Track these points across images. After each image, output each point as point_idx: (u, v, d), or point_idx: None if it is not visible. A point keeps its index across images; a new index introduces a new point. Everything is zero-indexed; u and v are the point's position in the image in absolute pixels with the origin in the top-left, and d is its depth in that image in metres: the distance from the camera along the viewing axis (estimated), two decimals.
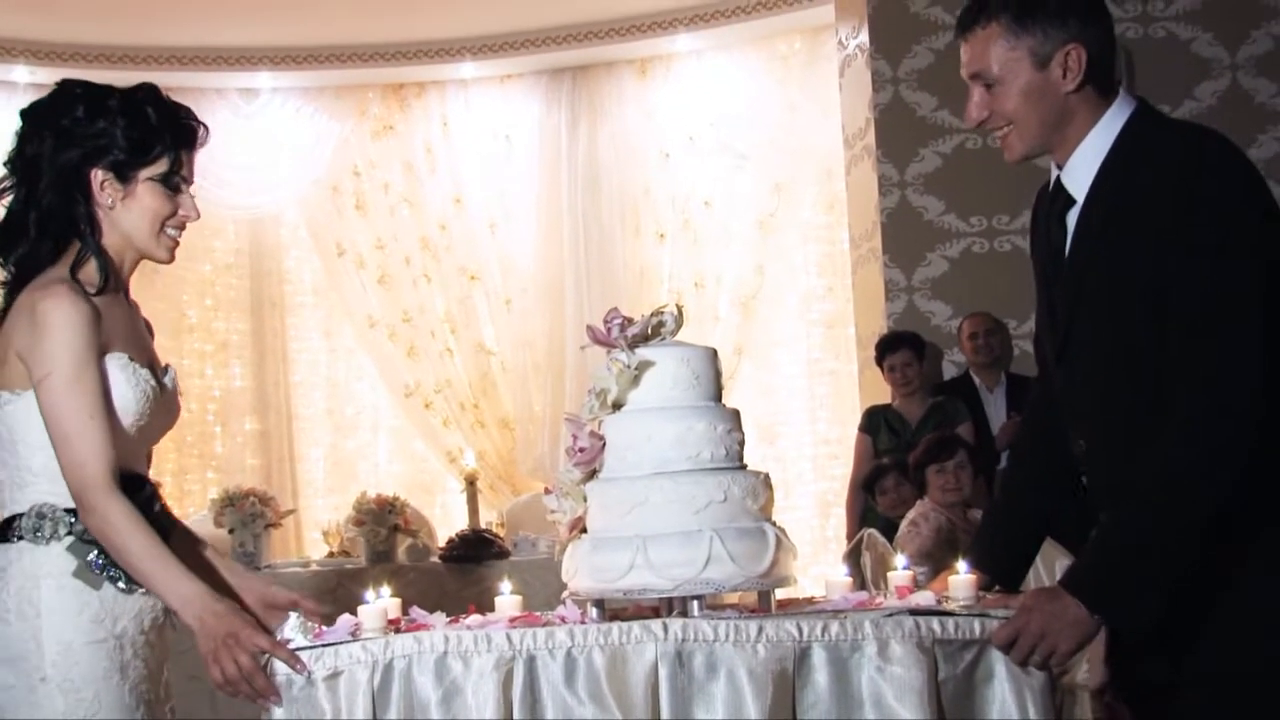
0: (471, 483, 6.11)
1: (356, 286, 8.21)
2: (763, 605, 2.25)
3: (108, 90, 2.28)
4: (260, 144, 8.09)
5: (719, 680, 2.07)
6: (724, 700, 2.06)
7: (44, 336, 2.14)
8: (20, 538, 2.19)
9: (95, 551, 2.17)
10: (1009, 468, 2.66)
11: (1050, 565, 3.81)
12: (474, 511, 5.95)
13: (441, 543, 5.85)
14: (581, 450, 2.30)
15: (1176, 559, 1.98)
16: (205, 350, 8.12)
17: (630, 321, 2.31)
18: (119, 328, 2.26)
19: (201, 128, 2.32)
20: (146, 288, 8.00)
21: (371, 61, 8.01)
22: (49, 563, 2.18)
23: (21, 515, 2.20)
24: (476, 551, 5.62)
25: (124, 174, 2.24)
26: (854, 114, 6.49)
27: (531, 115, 8.21)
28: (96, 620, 2.18)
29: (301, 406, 8.35)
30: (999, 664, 2.11)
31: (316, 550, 6.89)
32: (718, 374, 2.37)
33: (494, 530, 6.07)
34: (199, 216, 2.34)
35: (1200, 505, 1.96)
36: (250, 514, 5.63)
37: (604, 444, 2.29)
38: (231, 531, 5.61)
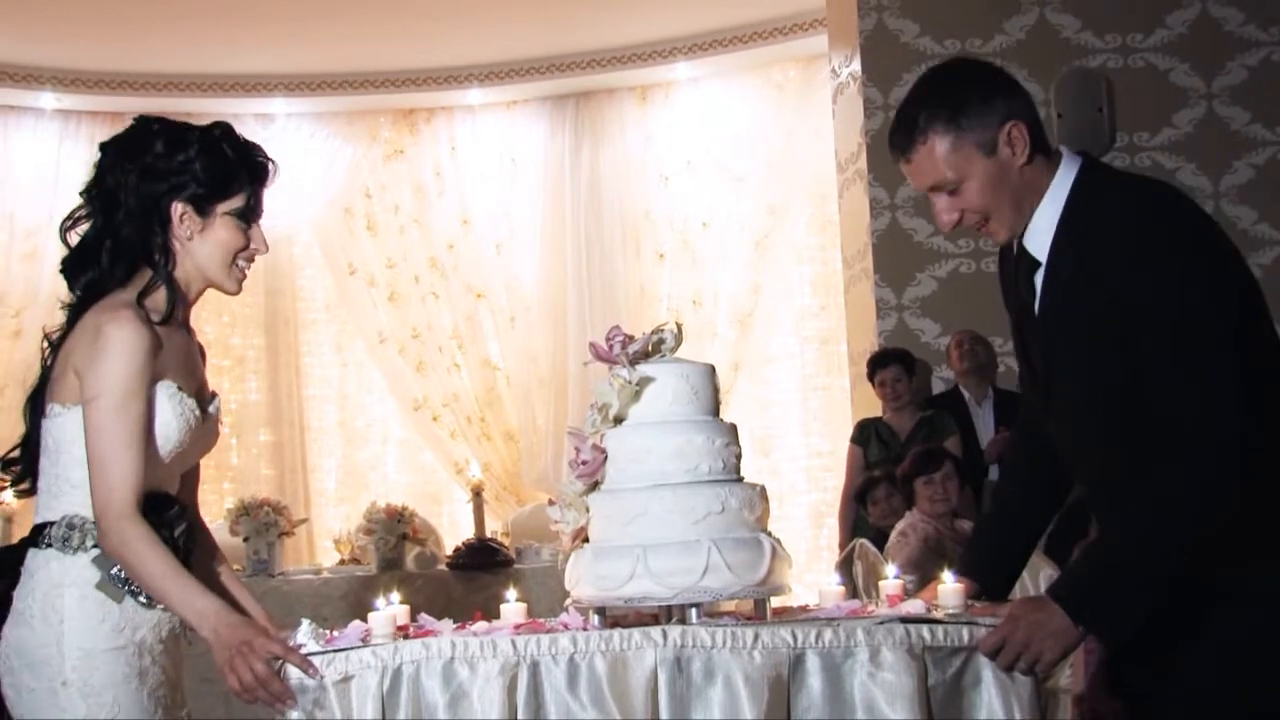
0: (477, 493, 6.15)
1: (367, 304, 8.32)
2: (759, 613, 2.29)
3: (186, 127, 2.31)
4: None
5: (716, 685, 2.09)
6: (721, 705, 2.08)
7: (102, 358, 2.17)
8: (49, 545, 2.22)
9: (117, 567, 2.20)
10: (1000, 483, 2.67)
11: (1035, 576, 3.81)
12: (480, 521, 6.01)
13: (449, 551, 5.92)
14: (584, 463, 2.32)
15: (1161, 579, 2.01)
16: (222, 365, 8.19)
17: (631, 339, 2.34)
18: (175, 356, 2.28)
19: (271, 164, 2.34)
20: None
21: (383, 88, 8.15)
22: (74, 572, 2.21)
23: (53, 524, 2.23)
24: (482, 560, 5.68)
25: (203, 207, 2.27)
26: (846, 139, 6.56)
27: (536, 140, 8.35)
28: (116, 629, 2.21)
29: (314, 419, 8.45)
30: (986, 670, 2.14)
31: (328, 558, 7.00)
32: (715, 389, 2.40)
33: (499, 539, 6.15)
34: (268, 249, 2.37)
35: (1188, 529, 1.99)
36: (264, 523, 5.70)
37: (605, 457, 2.31)
38: (246, 540, 5.68)
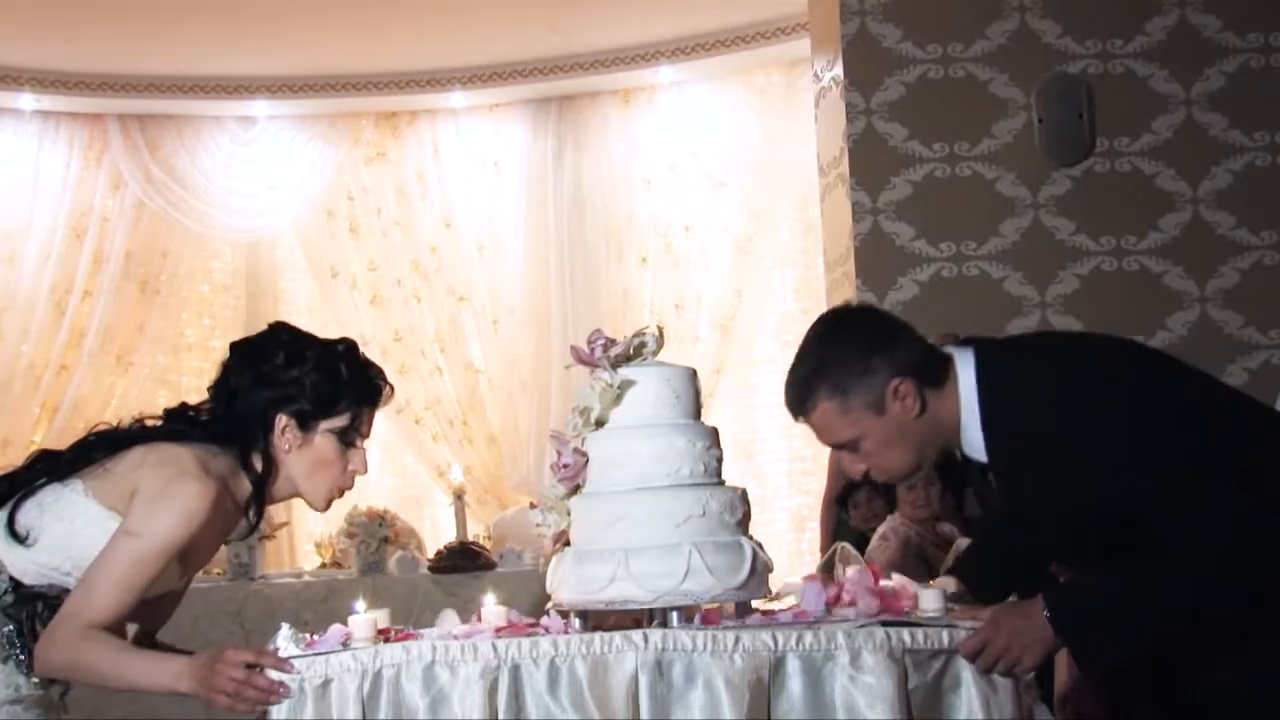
0: (459, 496, 6.15)
1: (349, 307, 8.29)
2: (739, 616, 2.30)
3: (308, 341, 2.37)
4: (257, 169, 8.22)
5: (697, 689, 2.11)
6: (702, 708, 2.10)
7: (162, 508, 2.19)
8: None
9: (13, 629, 2.22)
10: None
11: None
12: (462, 524, 6.00)
13: (431, 554, 5.94)
14: (566, 466, 2.35)
15: (1161, 628, 2.03)
16: (203, 368, 8.08)
17: (613, 342, 2.37)
18: (213, 537, 2.32)
19: (388, 387, 2.39)
20: (147, 308, 8.18)
21: (365, 90, 8.13)
22: None
23: None
24: (464, 563, 5.69)
25: (306, 423, 2.31)
26: (828, 143, 6.54)
27: (519, 143, 8.34)
28: None
29: None
30: (966, 672, 2.16)
31: (309, 561, 6.99)
32: (697, 393, 2.43)
33: (481, 542, 6.15)
34: (367, 471, 2.37)
35: (1210, 599, 2.00)
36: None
37: (587, 460, 2.34)
38: (227, 543, 5.66)
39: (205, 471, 2.24)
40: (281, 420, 2.30)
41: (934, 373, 2.17)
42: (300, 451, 2.31)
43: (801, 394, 2.21)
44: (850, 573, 2.46)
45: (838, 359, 2.19)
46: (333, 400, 2.31)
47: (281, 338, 2.37)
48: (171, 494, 2.19)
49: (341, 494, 2.38)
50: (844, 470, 2.26)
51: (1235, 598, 2.00)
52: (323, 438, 2.31)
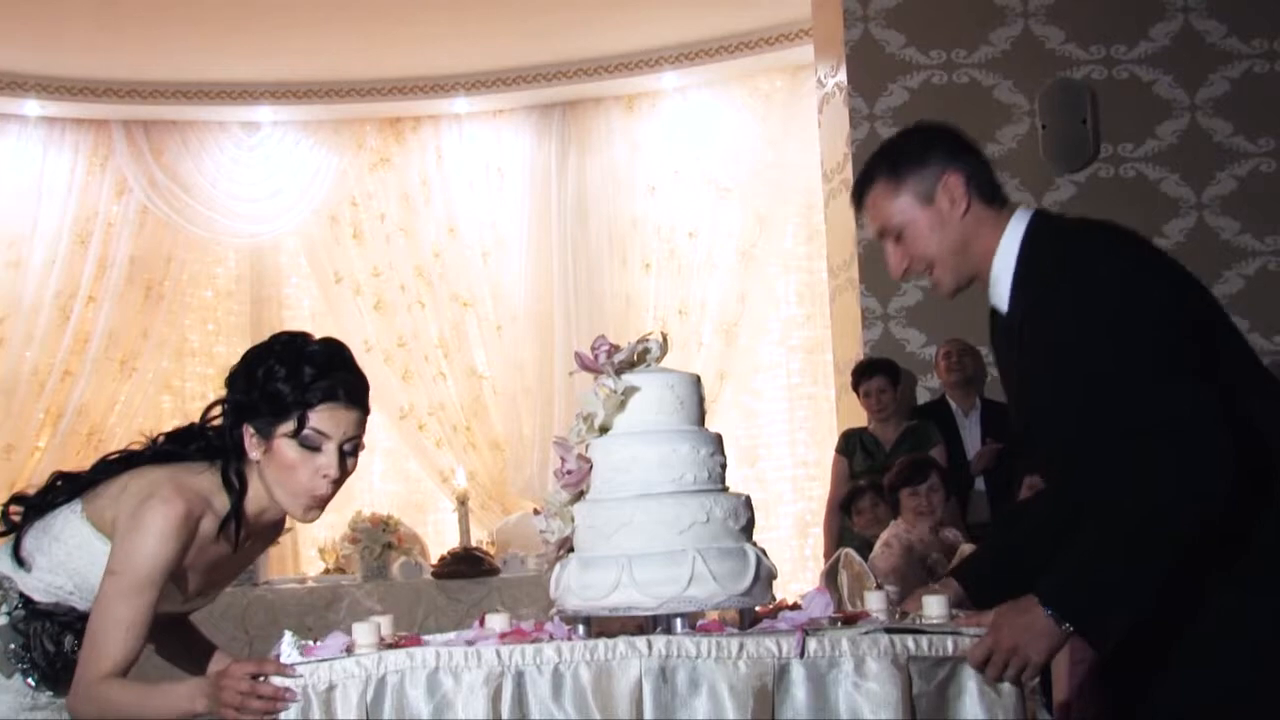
0: (463, 502, 6.18)
1: (353, 312, 8.31)
2: (744, 623, 2.27)
3: (270, 349, 2.30)
4: (261, 175, 8.25)
5: (701, 695, 2.09)
6: (706, 714, 2.08)
7: (134, 537, 2.18)
8: None
9: (20, 643, 2.25)
10: (1020, 507, 2.72)
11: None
12: (465, 530, 6.03)
13: (434, 560, 5.95)
14: (569, 472, 2.32)
15: (1150, 575, 2.02)
16: (207, 374, 8.20)
17: (617, 348, 2.34)
18: (206, 558, 2.29)
19: (358, 380, 2.30)
20: (150, 312, 8.20)
21: (369, 96, 8.16)
22: None
23: None
24: (468, 569, 5.71)
25: (264, 430, 2.25)
26: (832, 149, 6.57)
27: (523, 149, 8.37)
28: (3, 684, 2.27)
29: None
30: (970, 679, 2.14)
31: (313, 567, 6.99)
32: (701, 399, 2.39)
33: (485, 548, 6.18)
34: (340, 474, 2.27)
35: (1179, 523, 2.00)
36: None
37: (591, 466, 2.31)
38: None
39: (177, 490, 2.22)
40: (248, 430, 2.27)
41: (990, 194, 2.29)
42: (266, 459, 2.27)
43: (863, 176, 2.35)
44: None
45: (901, 146, 2.35)
46: (280, 402, 2.25)
47: (257, 349, 2.33)
48: (139, 520, 2.19)
49: (318, 501, 2.29)
50: (890, 267, 2.32)
51: (1207, 504, 2.02)
52: (280, 442, 2.25)
